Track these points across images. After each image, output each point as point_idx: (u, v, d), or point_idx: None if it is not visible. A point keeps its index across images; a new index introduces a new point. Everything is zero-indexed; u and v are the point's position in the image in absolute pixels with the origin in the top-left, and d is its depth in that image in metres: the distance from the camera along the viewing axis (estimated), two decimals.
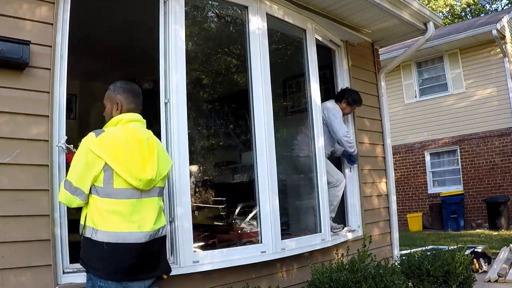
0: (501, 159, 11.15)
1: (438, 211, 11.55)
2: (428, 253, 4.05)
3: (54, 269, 2.31)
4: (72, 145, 2.45)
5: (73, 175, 2.03)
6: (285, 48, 5.53)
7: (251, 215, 4.41)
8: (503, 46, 11.02)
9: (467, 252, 4.47)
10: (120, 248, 1.97)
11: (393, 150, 6.22)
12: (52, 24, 2.49)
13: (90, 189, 2.04)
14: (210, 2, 4.76)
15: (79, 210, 2.13)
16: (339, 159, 4.60)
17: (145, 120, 2.30)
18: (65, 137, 2.47)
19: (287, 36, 4.79)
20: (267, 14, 3.53)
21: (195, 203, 5.41)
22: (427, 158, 12.52)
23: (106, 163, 2.01)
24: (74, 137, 2.60)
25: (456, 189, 11.77)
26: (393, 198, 4.96)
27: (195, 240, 2.97)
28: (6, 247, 2.18)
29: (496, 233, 9.70)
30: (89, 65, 5.16)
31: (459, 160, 11.90)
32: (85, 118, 5.98)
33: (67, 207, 2.41)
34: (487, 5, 24.66)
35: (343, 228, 4.31)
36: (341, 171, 4.48)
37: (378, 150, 4.95)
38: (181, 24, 2.99)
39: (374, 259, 3.50)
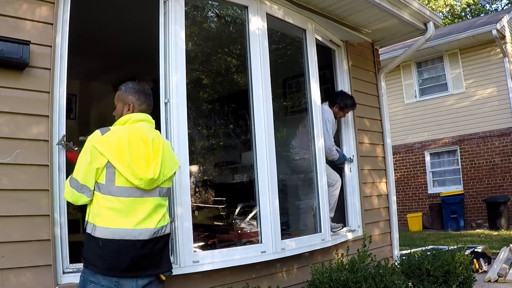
0: (501, 159, 11.15)
1: (438, 211, 11.55)
2: (428, 253, 4.05)
3: (54, 269, 2.32)
4: (71, 142, 2.46)
5: (79, 172, 2.05)
6: (285, 48, 5.53)
7: (251, 215, 4.41)
8: (503, 46, 11.02)
9: (467, 252, 4.47)
10: (115, 244, 1.98)
11: (393, 150, 6.22)
12: (52, 24, 2.49)
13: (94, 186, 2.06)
14: (210, 2, 4.76)
15: (78, 210, 2.13)
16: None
17: (153, 121, 2.31)
18: (63, 134, 2.47)
19: (287, 36, 4.79)
20: (267, 14, 3.53)
21: (195, 203, 5.41)
22: (427, 158, 12.52)
23: (108, 160, 2.02)
24: (74, 137, 2.60)
25: (456, 189, 11.77)
26: (393, 198, 4.96)
27: (195, 240, 2.96)
28: (6, 247, 2.18)
29: (496, 233, 9.70)
30: (89, 65, 5.17)
31: (459, 160, 11.90)
32: (85, 118, 5.99)
33: (67, 207, 2.43)
34: (487, 5, 24.66)
35: (342, 227, 4.32)
36: (340, 171, 4.49)
37: (378, 150, 4.95)
38: (181, 24, 2.99)
39: (374, 259, 3.50)
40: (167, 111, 2.88)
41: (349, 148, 4.61)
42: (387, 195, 4.95)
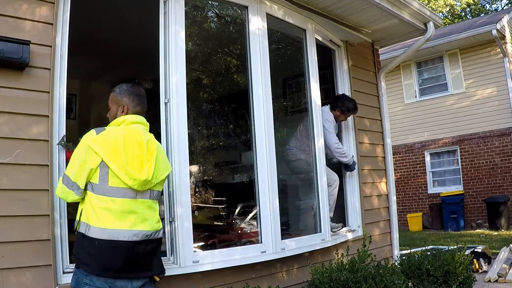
0: (501, 159, 11.15)
1: (438, 211, 11.56)
2: (428, 253, 4.05)
3: (54, 269, 2.31)
4: (71, 143, 2.46)
5: (71, 170, 2.05)
6: (285, 48, 5.53)
7: (251, 215, 4.40)
8: (503, 46, 11.02)
9: (467, 252, 4.47)
10: (111, 245, 1.98)
11: (393, 150, 6.22)
12: (52, 24, 2.49)
13: (86, 185, 2.05)
14: (210, 2, 4.76)
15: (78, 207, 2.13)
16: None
17: (148, 124, 2.32)
18: (63, 134, 2.47)
19: (287, 36, 4.79)
20: (267, 14, 3.53)
21: (195, 203, 5.41)
22: (427, 158, 12.52)
23: (103, 160, 2.02)
24: (74, 137, 2.60)
25: (456, 189, 11.77)
26: (393, 198, 4.96)
27: (195, 240, 2.96)
28: (6, 247, 2.18)
29: (496, 233, 9.70)
30: (89, 65, 5.17)
31: (459, 160, 11.90)
32: (85, 118, 5.99)
33: (67, 206, 2.43)
34: (487, 5, 24.66)
35: (342, 227, 4.32)
36: (340, 171, 4.49)
37: (378, 150, 4.95)
38: (181, 24, 2.99)
39: (374, 259, 3.50)
40: (167, 111, 2.88)
41: (349, 148, 4.61)
42: (387, 195, 4.95)
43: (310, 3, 3.88)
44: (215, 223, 5.04)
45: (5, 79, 2.30)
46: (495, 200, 10.50)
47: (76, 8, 2.63)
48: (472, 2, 24.07)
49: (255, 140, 3.34)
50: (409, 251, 4.61)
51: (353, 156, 4.48)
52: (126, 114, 2.26)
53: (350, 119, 4.60)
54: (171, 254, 2.78)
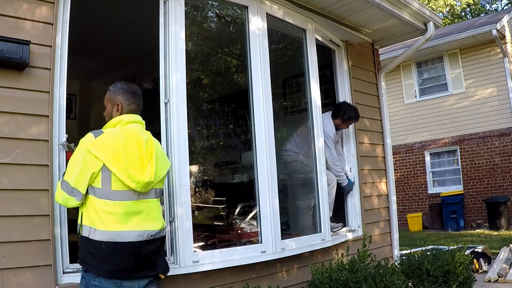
0: (501, 159, 11.15)
1: (438, 211, 11.55)
2: (428, 253, 4.05)
3: (54, 269, 2.31)
4: (73, 144, 2.46)
5: (71, 175, 2.02)
6: (285, 48, 5.53)
7: (251, 215, 4.40)
8: (503, 46, 11.02)
9: (467, 252, 4.47)
10: (117, 246, 1.98)
11: (393, 150, 6.22)
12: (52, 24, 2.49)
13: (87, 189, 2.04)
14: (210, 2, 4.76)
15: (79, 210, 2.13)
16: None
17: (144, 122, 2.31)
18: (66, 136, 2.48)
19: (287, 36, 4.79)
20: (267, 14, 3.53)
21: (195, 203, 5.41)
22: (427, 158, 12.52)
23: (104, 164, 2.01)
24: (74, 137, 2.60)
25: (456, 189, 11.77)
26: (393, 198, 4.96)
27: (195, 240, 2.96)
28: (6, 247, 2.18)
29: (496, 233, 9.70)
30: (89, 65, 5.17)
31: (459, 160, 11.90)
32: (85, 118, 5.99)
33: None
34: (487, 5, 24.66)
35: (342, 227, 4.32)
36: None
37: (378, 150, 4.95)
38: (181, 24, 2.99)
39: (374, 259, 3.50)
40: (167, 111, 2.88)
41: (349, 148, 4.61)
42: (387, 195, 4.95)
43: (310, 3, 3.88)
44: (215, 223, 5.04)
45: (5, 79, 2.30)
46: (495, 200, 10.50)
47: (76, 8, 2.63)
48: (472, 2, 24.07)
49: (255, 140, 3.34)
50: (409, 251, 4.61)
51: (346, 173, 4.42)
52: (121, 112, 2.24)
53: None
54: (171, 254, 2.78)
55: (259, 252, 3.20)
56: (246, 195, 4.51)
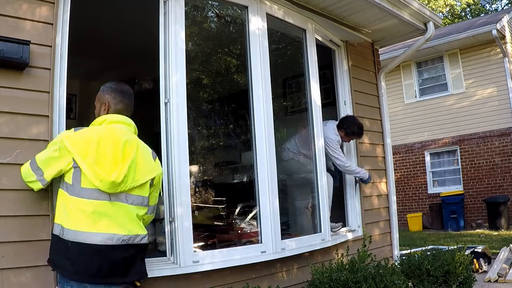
0: (501, 159, 11.15)
1: (438, 211, 11.56)
2: (428, 253, 4.05)
3: None
4: None
5: (40, 157, 2.08)
6: (285, 48, 5.53)
7: (251, 215, 4.40)
8: (503, 46, 11.02)
9: (467, 252, 4.47)
10: (84, 248, 1.94)
11: (393, 150, 6.22)
12: (52, 24, 2.49)
13: (61, 185, 2.06)
14: (210, 2, 4.76)
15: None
16: None
17: (133, 124, 2.28)
18: None
19: (287, 36, 4.79)
20: (267, 14, 3.53)
21: (195, 203, 5.41)
22: (427, 158, 12.52)
23: (73, 158, 2.01)
24: None
25: (456, 189, 11.77)
26: (393, 198, 4.96)
27: (195, 240, 2.96)
28: (6, 247, 2.18)
29: (496, 233, 9.70)
30: (89, 65, 5.17)
31: (459, 160, 11.90)
32: (85, 118, 5.98)
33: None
34: (487, 5, 24.66)
35: (342, 226, 4.32)
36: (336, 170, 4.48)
37: (378, 150, 4.95)
38: (181, 24, 2.99)
39: (374, 259, 3.50)
40: (167, 111, 2.88)
41: (349, 148, 4.61)
42: (387, 195, 4.95)
43: (310, 3, 3.88)
44: (215, 223, 5.03)
45: (5, 79, 2.29)
46: (495, 200, 10.50)
47: (76, 8, 2.63)
48: (472, 2, 24.07)
49: (255, 140, 3.34)
50: (409, 251, 4.61)
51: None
52: (107, 111, 2.23)
53: None
54: (171, 254, 2.78)
55: (259, 252, 3.20)
56: (246, 195, 4.50)
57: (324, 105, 4.24)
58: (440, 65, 12.29)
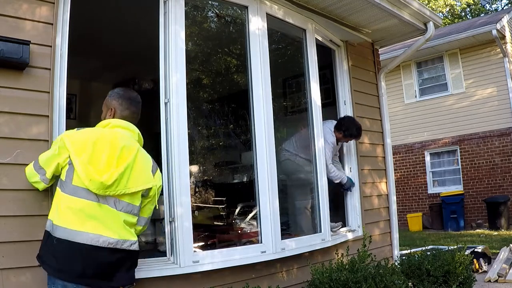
0: (501, 159, 11.15)
1: (438, 211, 11.56)
2: (428, 253, 4.05)
3: None
4: None
5: (42, 156, 2.15)
6: (285, 48, 5.53)
7: (251, 215, 4.40)
8: (503, 46, 11.02)
9: (467, 252, 4.47)
10: (70, 246, 1.94)
11: (393, 150, 6.22)
12: (52, 24, 2.49)
13: (58, 182, 2.09)
14: (210, 2, 4.76)
15: None
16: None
17: (137, 131, 2.28)
18: None
19: (287, 36, 4.79)
20: (267, 14, 3.53)
21: (195, 203, 5.41)
22: (427, 158, 12.52)
23: (69, 155, 2.04)
24: None
25: (456, 189, 11.77)
26: (393, 198, 4.96)
27: (195, 240, 2.96)
28: (6, 247, 2.18)
29: (496, 233, 9.70)
30: (89, 65, 5.17)
31: (459, 160, 11.90)
32: (85, 118, 5.98)
33: None
34: (487, 5, 24.67)
35: (342, 226, 4.32)
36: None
37: (378, 150, 4.95)
38: (181, 24, 2.99)
39: (374, 259, 3.50)
40: (167, 111, 2.88)
41: (349, 148, 4.61)
42: (387, 195, 4.95)
43: (310, 3, 3.88)
44: (215, 223, 5.03)
45: (5, 79, 2.29)
46: (495, 200, 10.50)
47: (76, 8, 2.63)
48: (472, 2, 24.07)
49: (255, 140, 3.34)
50: (409, 251, 4.61)
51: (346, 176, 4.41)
52: (113, 117, 2.25)
53: None
54: (171, 254, 2.78)
55: (259, 252, 3.20)
56: (246, 195, 4.51)
57: (324, 105, 4.23)
58: (440, 65, 12.29)
